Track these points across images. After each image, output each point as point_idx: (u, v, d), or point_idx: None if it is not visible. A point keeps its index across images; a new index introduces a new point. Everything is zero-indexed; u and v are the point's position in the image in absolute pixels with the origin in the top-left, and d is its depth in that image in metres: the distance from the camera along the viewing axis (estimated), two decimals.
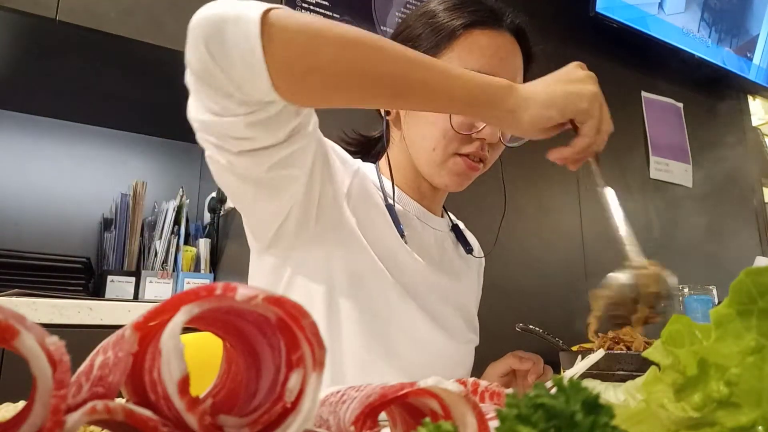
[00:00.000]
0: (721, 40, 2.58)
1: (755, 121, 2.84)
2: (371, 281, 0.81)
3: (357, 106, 0.63)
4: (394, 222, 0.86)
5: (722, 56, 2.56)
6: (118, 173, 1.91)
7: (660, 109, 2.44)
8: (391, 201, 0.88)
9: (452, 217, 1.06)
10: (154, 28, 1.43)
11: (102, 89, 1.72)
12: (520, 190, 1.97)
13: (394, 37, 0.92)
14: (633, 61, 2.37)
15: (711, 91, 2.62)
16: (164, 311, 0.25)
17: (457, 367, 0.92)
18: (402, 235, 0.85)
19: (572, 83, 0.68)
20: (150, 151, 2.00)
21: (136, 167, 1.95)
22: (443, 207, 1.02)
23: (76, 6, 1.34)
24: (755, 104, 2.90)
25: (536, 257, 1.94)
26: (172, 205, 1.76)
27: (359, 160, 0.91)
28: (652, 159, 2.35)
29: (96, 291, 1.63)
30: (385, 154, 0.94)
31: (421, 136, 0.86)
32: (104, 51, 1.50)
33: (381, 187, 0.89)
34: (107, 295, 1.58)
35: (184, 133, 2.38)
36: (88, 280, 1.62)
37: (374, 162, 0.96)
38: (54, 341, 0.23)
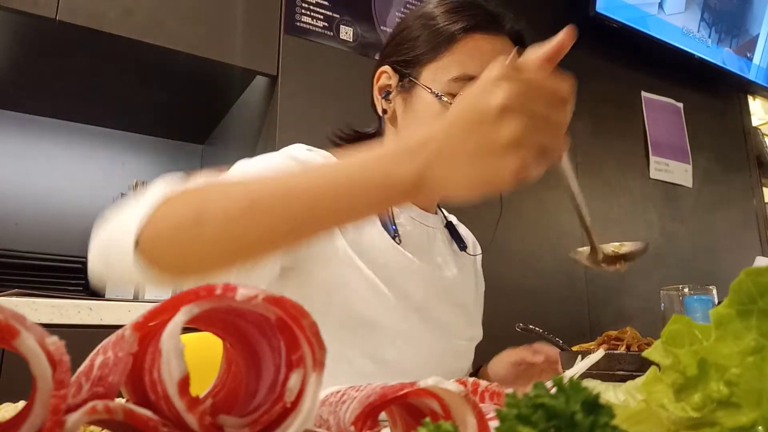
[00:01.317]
0: (721, 40, 2.58)
1: (755, 121, 2.84)
2: (359, 289, 0.80)
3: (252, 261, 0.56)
4: (386, 222, 0.86)
5: (722, 56, 2.56)
6: (118, 173, 1.91)
7: (660, 109, 2.44)
8: None
9: (446, 213, 1.06)
10: (154, 28, 1.43)
11: (102, 89, 1.72)
12: (519, 191, 1.97)
13: (392, 38, 0.93)
14: (633, 61, 2.37)
15: (711, 91, 2.62)
16: (164, 311, 0.25)
17: (454, 363, 0.92)
18: (394, 236, 0.86)
19: (494, 160, 0.46)
20: (150, 151, 2.00)
21: (136, 167, 1.95)
22: (437, 204, 1.02)
23: (76, 6, 1.34)
24: (755, 104, 2.90)
25: (536, 257, 1.94)
26: None
27: None
28: (652, 159, 2.35)
29: (96, 291, 1.62)
30: None
31: None
32: (104, 51, 1.51)
33: None
34: (107, 295, 1.58)
35: (184, 133, 2.39)
36: (88, 280, 1.62)
37: None
38: (54, 341, 0.23)
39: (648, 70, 2.42)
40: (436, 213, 1.00)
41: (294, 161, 0.82)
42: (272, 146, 1.49)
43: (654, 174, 2.34)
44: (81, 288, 1.54)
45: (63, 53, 1.51)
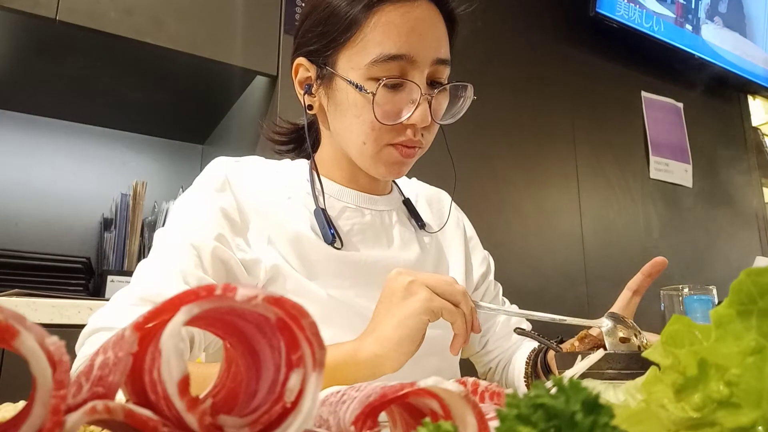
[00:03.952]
0: (722, 40, 2.58)
1: (755, 121, 2.84)
2: (316, 314, 0.76)
3: None
4: (324, 229, 0.81)
5: (722, 56, 2.56)
6: (118, 173, 1.91)
7: (660, 109, 2.44)
8: (321, 204, 0.83)
9: (404, 189, 0.97)
10: (154, 28, 1.43)
11: (102, 89, 1.73)
12: (519, 190, 1.97)
13: (300, 25, 0.85)
14: (633, 61, 2.37)
15: (711, 91, 2.62)
16: (164, 311, 0.25)
17: (429, 356, 0.83)
18: (333, 241, 0.80)
19: (405, 302, 0.65)
20: (150, 151, 2.00)
21: (136, 167, 1.95)
22: (394, 181, 0.96)
23: (76, 6, 1.34)
24: (755, 104, 2.90)
25: (536, 257, 1.94)
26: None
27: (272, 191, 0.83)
28: (652, 159, 2.35)
29: (96, 291, 1.63)
30: (318, 148, 0.90)
31: (349, 130, 0.81)
32: (104, 51, 1.51)
33: (312, 186, 0.84)
34: (107, 295, 1.58)
35: (184, 133, 2.39)
36: (88, 280, 1.62)
37: (311, 156, 0.90)
38: (54, 341, 0.23)
39: (648, 70, 2.42)
40: (390, 192, 0.93)
41: (223, 215, 0.77)
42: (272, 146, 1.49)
43: (654, 174, 2.34)
44: (81, 288, 1.54)
45: (63, 53, 1.52)
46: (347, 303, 0.78)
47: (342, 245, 0.81)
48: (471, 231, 1.04)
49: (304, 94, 0.84)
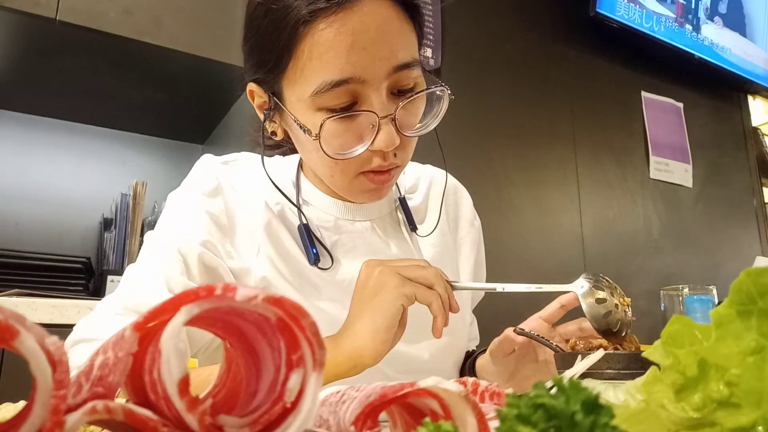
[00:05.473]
0: (722, 39, 2.58)
1: (755, 121, 2.84)
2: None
3: None
4: (307, 249, 0.76)
5: (722, 56, 2.56)
6: (118, 173, 1.91)
7: (660, 109, 2.44)
8: (303, 220, 0.78)
9: (401, 187, 0.89)
10: (154, 28, 1.43)
11: (102, 89, 1.73)
12: (519, 190, 1.97)
13: (242, 45, 0.76)
14: (633, 61, 2.37)
15: (711, 91, 2.62)
16: (164, 311, 0.25)
17: (422, 374, 0.80)
18: (315, 261, 0.75)
19: (377, 292, 0.63)
20: (150, 151, 2.01)
21: (136, 167, 1.95)
22: None
23: (76, 6, 1.34)
24: (755, 104, 2.90)
25: (536, 257, 1.94)
26: None
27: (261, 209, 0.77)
28: (652, 159, 2.35)
29: (96, 291, 1.63)
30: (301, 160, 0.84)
31: (313, 162, 0.75)
32: (104, 51, 1.51)
33: (297, 198, 0.80)
34: (107, 295, 1.58)
35: (184, 133, 2.40)
36: (88, 280, 1.62)
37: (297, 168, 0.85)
38: (54, 341, 0.23)
39: (648, 70, 2.42)
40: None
41: (212, 221, 0.74)
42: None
43: (654, 174, 2.34)
44: (81, 288, 1.54)
45: (63, 53, 1.52)
46: (338, 318, 0.71)
47: (332, 261, 0.77)
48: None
49: (264, 121, 0.76)
